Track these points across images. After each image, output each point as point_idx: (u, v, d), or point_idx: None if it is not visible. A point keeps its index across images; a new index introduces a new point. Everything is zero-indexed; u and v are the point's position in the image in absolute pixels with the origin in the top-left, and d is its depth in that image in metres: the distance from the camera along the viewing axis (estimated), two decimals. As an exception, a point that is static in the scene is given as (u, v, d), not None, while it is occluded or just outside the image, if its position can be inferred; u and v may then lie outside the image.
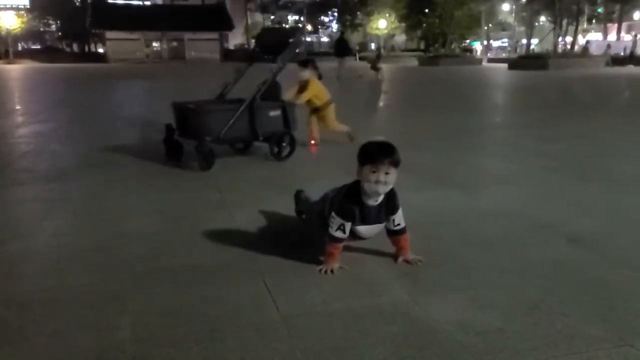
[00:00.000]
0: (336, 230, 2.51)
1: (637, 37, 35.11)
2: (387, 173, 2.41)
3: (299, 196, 3.29)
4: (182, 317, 2.09)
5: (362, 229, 2.61)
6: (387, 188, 2.47)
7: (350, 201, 2.52)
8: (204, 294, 2.29)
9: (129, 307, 2.16)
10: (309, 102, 5.74)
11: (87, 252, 2.79)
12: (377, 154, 2.43)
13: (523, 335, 1.94)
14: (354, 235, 2.62)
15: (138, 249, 2.82)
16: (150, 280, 2.45)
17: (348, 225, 2.52)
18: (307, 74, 5.68)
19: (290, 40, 5.21)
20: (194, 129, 4.66)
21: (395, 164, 2.44)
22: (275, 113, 4.96)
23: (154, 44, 51.15)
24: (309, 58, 5.99)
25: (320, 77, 5.87)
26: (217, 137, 4.62)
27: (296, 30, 6.38)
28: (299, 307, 2.17)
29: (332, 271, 2.48)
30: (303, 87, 5.67)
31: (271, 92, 4.97)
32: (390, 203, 2.56)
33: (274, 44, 5.40)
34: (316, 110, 5.80)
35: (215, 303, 2.21)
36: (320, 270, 2.49)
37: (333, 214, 2.54)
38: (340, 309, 2.16)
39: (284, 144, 5.04)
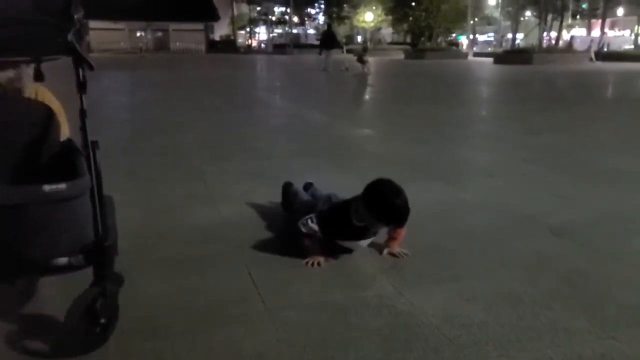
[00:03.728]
0: (306, 230, 2.53)
1: (605, 35, 36.09)
2: None
3: (288, 188, 3.25)
4: (166, 310, 2.08)
5: (346, 243, 2.61)
6: None
7: (336, 219, 2.53)
8: (188, 287, 2.27)
9: (113, 300, 2.13)
10: None
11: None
12: (399, 218, 2.47)
13: (507, 328, 1.96)
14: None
15: (122, 241, 2.78)
16: (134, 272, 2.41)
17: (317, 236, 2.54)
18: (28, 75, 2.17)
19: (72, 9, 1.74)
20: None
21: None
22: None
23: (138, 34, 50.51)
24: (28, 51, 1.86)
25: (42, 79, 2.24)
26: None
27: None
28: (284, 300, 2.17)
29: (318, 264, 2.47)
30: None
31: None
32: None
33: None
34: None
35: (200, 295, 2.19)
36: (307, 263, 2.48)
37: (313, 217, 2.54)
38: (326, 301, 2.15)
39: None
